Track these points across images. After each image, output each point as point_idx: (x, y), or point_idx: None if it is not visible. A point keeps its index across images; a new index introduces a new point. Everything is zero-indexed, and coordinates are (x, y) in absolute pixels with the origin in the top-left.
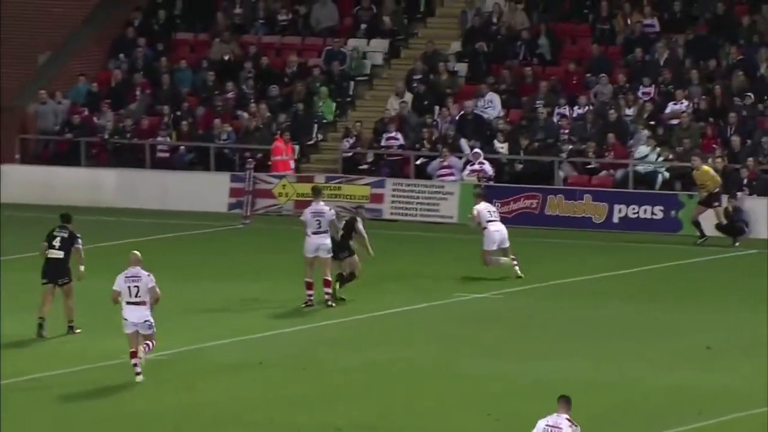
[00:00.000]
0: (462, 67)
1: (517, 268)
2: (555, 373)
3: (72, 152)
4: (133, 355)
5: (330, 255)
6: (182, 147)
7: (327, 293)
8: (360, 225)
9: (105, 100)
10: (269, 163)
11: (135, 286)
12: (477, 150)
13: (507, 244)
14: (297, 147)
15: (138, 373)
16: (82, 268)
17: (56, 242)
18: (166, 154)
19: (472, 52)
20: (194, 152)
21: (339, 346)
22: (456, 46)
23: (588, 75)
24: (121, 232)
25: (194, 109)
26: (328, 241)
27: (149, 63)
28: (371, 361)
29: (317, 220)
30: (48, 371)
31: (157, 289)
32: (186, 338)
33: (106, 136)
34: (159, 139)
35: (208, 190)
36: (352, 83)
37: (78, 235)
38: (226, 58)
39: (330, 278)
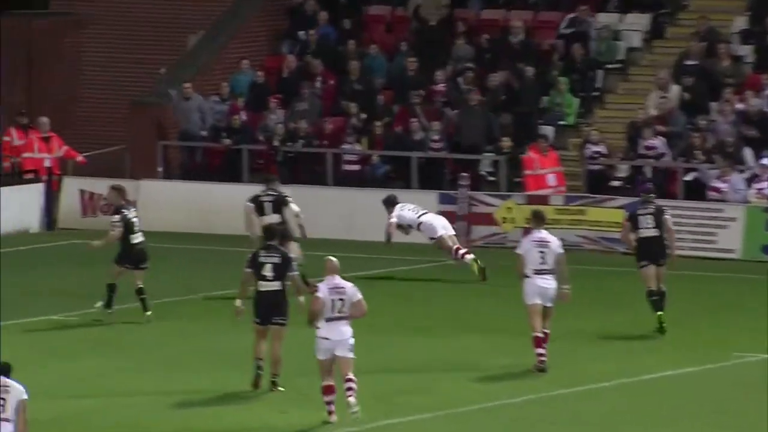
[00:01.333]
0: (747, 51)
1: (470, 256)
2: None
3: (230, 164)
4: (329, 390)
5: (552, 305)
6: (375, 156)
7: (540, 354)
8: (668, 216)
9: (274, 94)
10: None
11: (340, 299)
12: (766, 161)
13: (451, 232)
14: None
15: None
16: (302, 299)
17: (267, 270)
18: (355, 167)
19: (761, 30)
20: (391, 163)
21: (568, 425)
22: (740, 22)
23: None
24: None
25: (391, 106)
26: (553, 285)
27: (332, 46)
28: None
29: (540, 251)
30: None
31: (364, 303)
32: (378, 411)
33: (276, 143)
34: (345, 146)
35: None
36: (600, 72)
37: (292, 256)
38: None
39: (548, 331)
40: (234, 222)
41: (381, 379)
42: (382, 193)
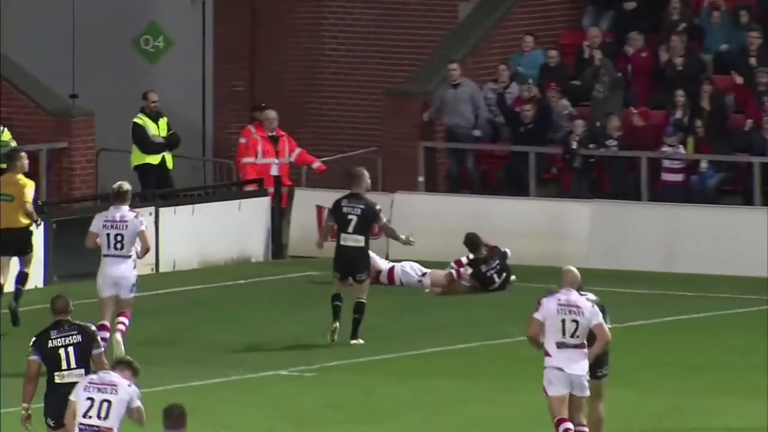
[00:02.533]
0: None
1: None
2: None
3: (513, 172)
4: (562, 422)
5: None
6: (704, 162)
7: None
8: None
9: (572, 80)
10: None
11: (573, 321)
12: None
13: None
14: None
15: None
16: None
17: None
18: (678, 176)
19: None
20: (726, 171)
21: None
22: None
23: None
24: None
25: (725, 93)
26: None
27: (644, 16)
28: None
29: None
30: None
31: (606, 331)
32: None
33: (574, 145)
34: (665, 149)
35: (747, 238)
36: None
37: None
38: None
39: None
40: (523, 248)
41: None
42: (712, 212)
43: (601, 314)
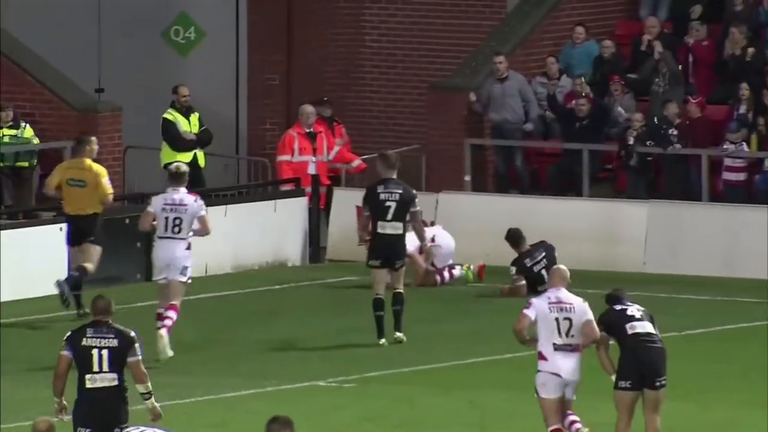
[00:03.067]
0: None
1: None
2: None
3: (565, 170)
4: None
5: None
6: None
7: None
8: None
9: (629, 73)
10: None
11: (566, 319)
12: None
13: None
14: None
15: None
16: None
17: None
18: (739, 175)
19: None
20: None
21: None
22: None
23: None
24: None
25: None
26: None
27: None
28: None
29: None
30: None
31: (595, 327)
32: None
33: (631, 141)
34: (727, 145)
35: None
36: None
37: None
38: None
39: None
40: (576, 251)
41: None
42: None
43: (591, 312)
